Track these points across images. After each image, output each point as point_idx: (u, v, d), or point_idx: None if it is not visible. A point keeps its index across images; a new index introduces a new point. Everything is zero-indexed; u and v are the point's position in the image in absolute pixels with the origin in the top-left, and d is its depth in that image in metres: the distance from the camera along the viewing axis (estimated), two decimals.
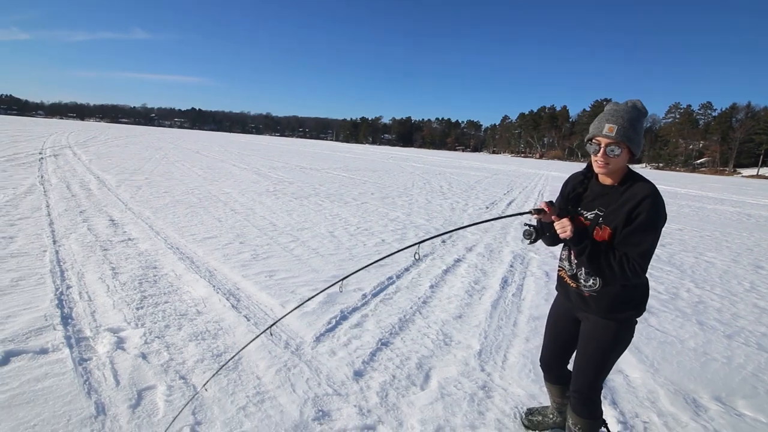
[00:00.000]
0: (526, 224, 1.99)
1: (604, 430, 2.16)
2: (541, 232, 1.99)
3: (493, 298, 4.57)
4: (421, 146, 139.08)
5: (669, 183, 30.18)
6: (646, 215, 1.77)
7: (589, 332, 2.03)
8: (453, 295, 4.60)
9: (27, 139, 25.37)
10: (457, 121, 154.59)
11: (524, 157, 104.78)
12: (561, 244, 2.15)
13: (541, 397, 2.85)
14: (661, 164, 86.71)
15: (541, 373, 2.48)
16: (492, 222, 9.39)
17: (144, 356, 2.92)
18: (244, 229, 6.89)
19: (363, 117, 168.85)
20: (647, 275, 1.91)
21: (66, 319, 3.34)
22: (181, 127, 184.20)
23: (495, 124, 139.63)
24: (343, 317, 3.82)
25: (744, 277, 6.36)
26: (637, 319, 2.01)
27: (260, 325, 3.54)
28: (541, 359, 2.39)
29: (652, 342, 3.81)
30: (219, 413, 2.42)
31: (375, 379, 2.91)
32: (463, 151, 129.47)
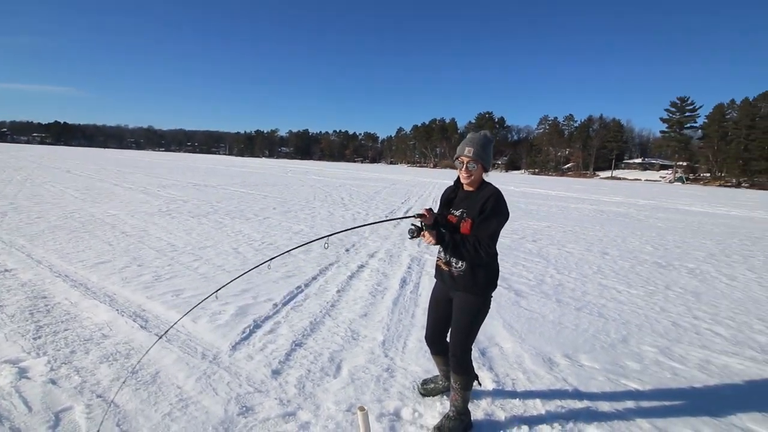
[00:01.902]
0: (412, 225, 2.57)
1: (476, 382, 2.76)
2: (419, 231, 2.54)
3: (394, 296, 5.11)
4: (320, 158, 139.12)
5: (543, 186, 34.20)
6: (491, 207, 2.47)
7: (459, 305, 2.64)
8: (358, 297, 5.04)
9: None
10: (355, 133, 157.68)
11: (420, 166, 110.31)
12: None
13: (435, 370, 3.39)
14: (536, 170, 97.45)
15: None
16: (391, 228, 10.09)
17: (53, 381, 2.90)
18: (140, 251, 6.65)
19: (258, 130, 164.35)
20: (498, 261, 2.58)
21: None
22: (42, 142, 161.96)
23: (391, 136, 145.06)
24: (257, 326, 4.05)
25: (593, 262, 7.74)
26: (493, 294, 2.66)
27: (173, 340, 3.64)
28: (426, 337, 2.94)
29: (521, 319, 4.62)
30: (144, 421, 2.56)
31: (292, 374, 3.22)
32: (362, 162, 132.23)
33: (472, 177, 2.56)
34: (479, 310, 2.61)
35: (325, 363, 3.43)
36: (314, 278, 5.73)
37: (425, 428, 2.65)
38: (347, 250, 7.54)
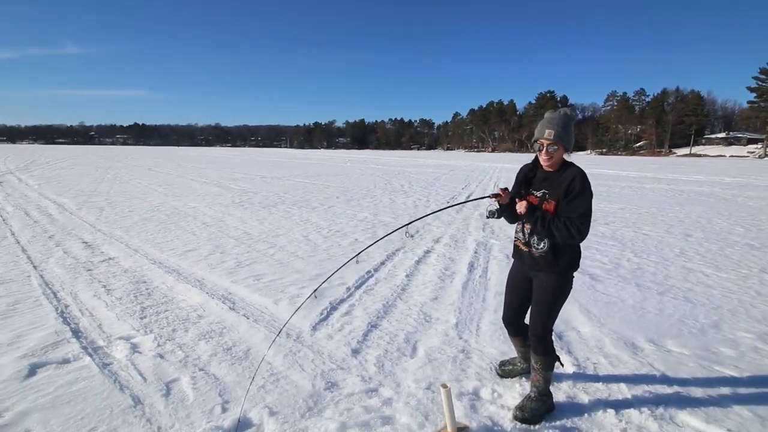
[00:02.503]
0: (487, 210, 2.57)
1: (558, 363, 2.72)
2: (500, 211, 2.53)
3: (463, 281, 5.12)
4: (376, 147, 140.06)
5: (612, 167, 32.27)
6: (579, 187, 2.41)
7: (540, 286, 2.61)
8: (427, 281, 5.11)
9: None
10: (410, 120, 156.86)
11: (477, 151, 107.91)
12: (516, 222, 2.74)
13: (510, 353, 3.39)
14: (604, 150, 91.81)
15: (506, 332, 3.04)
16: (454, 213, 10.03)
17: (161, 356, 3.23)
18: (220, 240, 7.13)
19: (316, 122, 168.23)
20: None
21: (76, 333, 3.58)
22: (124, 143, 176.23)
23: (447, 121, 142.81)
24: (333, 308, 4.24)
25: (675, 244, 7.26)
26: (574, 274, 2.62)
27: (259, 321, 3.90)
28: (504, 318, 2.94)
29: (598, 303, 4.47)
30: (242, 393, 2.79)
31: (370, 354, 3.36)
32: (418, 149, 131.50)
33: (553, 159, 2.50)
34: (561, 290, 2.57)
35: (401, 344, 3.54)
36: (382, 263, 5.86)
37: (506, 408, 2.67)
38: (412, 236, 7.61)
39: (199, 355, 3.27)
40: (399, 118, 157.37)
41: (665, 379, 3.05)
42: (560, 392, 2.87)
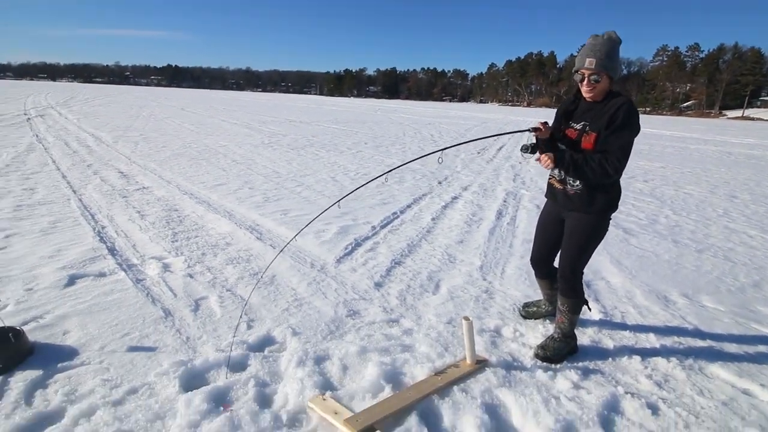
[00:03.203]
0: (523, 145, 2.41)
1: (586, 307, 2.65)
2: (536, 147, 2.37)
3: (490, 227, 5.03)
4: (407, 98, 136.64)
5: (655, 126, 30.60)
6: (623, 117, 2.20)
7: (573, 226, 2.48)
8: (453, 225, 5.04)
9: (5, 100, 24.68)
10: (443, 70, 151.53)
11: (512, 105, 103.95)
12: None
13: (535, 296, 3.34)
14: (648, 108, 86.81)
15: (536, 281, 2.97)
16: (484, 164, 9.79)
17: (191, 276, 3.34)
18: (249, 177, 7.19)
19: (347, 69, 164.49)
20: (620, 179, 2.36)
21: (112, 251, 3.72)
22: (158, 85, 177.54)
23: (482, 73, 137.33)
24: (358, 244, 4.25)
25: (719, 205, 6.90)
26: (612, 215, 2.47)
27: (285, 251, 3.95)
28: (532, 259, 2.85)
29: (631, 256, 4.32)
30: (266, 313, 2.87)
31: (393, 288, 3.37)
32: (450, 101, 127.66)
33: (596, 90, 2.29)
34: (595, 231, 2.43)
35: (423, 281, 3.53)
36: (409, 206, 5.80)
37: (527, 346, 2.66)
38: (440, 183, 7.49)
39: (227, 278, 3.35)
40: (432, 68, 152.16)
41: (697, 333, 2.95)
42: (584, 336, 2.82)
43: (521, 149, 2.42)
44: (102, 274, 3.27)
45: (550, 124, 2.51)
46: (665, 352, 2.69)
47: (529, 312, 3.01)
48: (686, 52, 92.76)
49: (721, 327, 3.06)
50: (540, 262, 2.80)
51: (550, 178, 2.61)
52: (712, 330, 3.01)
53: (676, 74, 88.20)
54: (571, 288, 2.53)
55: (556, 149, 2.41)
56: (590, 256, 2.53)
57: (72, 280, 3.14)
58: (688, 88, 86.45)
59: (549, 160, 2.29)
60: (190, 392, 2.05)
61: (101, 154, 8.62)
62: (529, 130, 2.42)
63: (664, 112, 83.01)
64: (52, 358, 2.26)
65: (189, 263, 3.56)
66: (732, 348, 2.79)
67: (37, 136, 10.74)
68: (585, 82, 2.28)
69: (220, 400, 2.03)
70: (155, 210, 5.01)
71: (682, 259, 4.34)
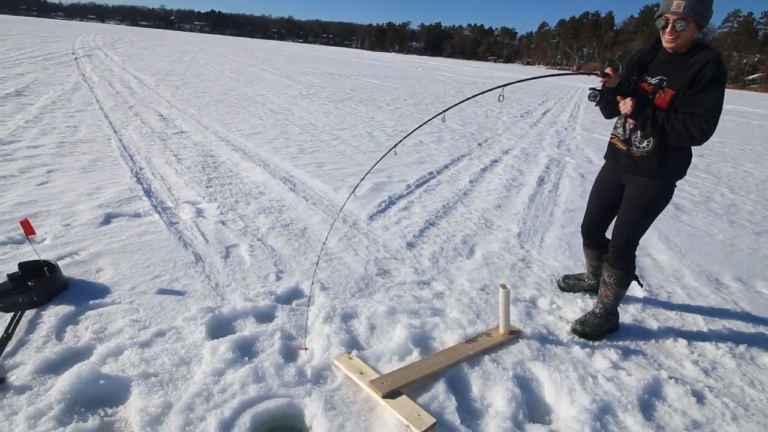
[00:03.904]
0: (591, 88, 2.13)
1: (636, 282, 2.46)
2: (605, 94, 2.11)
3: (530, 193, 4.79)
4: (450, 56, 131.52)
5: None
6: (713, 74, 1.93)
7: (634, 192, 2.26)
8: (492, 189, 4.83)
9: (55, 39, 25.20)
10: (491, 28, 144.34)
11: (560, 69, 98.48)
12: (615, 117, 2.34)
13: (576, 269, 3.16)
14: None
15: (576, 249, 2.77)
16: (528, 128, 9.33)
17: (223, 223, 3.32)
18: (285, 127, 7.09)
19: (390, 22, 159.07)
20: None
21: (148, 192, 3.74)
22: (201, 30, 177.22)
23: (532, 32, 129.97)
24: (392, 202, 4.13)
25: None
26: (677, 182, 2.24)
27: (318, 204, 3.88)
28: (583, 226, 2.65)
29: (681, 234, 4.03)
30: (296, 266, 2.82)
31: (426, 249, 3.26)
32: (495, 61, 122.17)
33: (680, 40, 2.00)
34: (659, 199, 2.22)
35: (458, 244, 3.40)
36: (446, 167, 5.60)
37: (564, 320, 2.52)
38: (479, 145, 7.19)
39: (258, 227, 3.32)
40: (479, 25, 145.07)
41: (750, 320, 2.73)
42: (626, 314, 2.65)
43: (589, 96, 2.16)
44: (137, 215, 3.29)
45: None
46: (714, 338, 2.50)
47: (569, 284, 2.84)
48: (761, 18, 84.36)
49: None
50: (592, 228, 2.60)
51: (612, 138, 2.37)
52: (766, 318, 2.77)
53: (745, 43, 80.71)
54: (623, 259, 2.34)
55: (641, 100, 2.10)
56: (648, 227, 2.32)
57: (108, 219, 3.18)
58: (756, 59, 79.16)
59: (630, 105, 2.02)
60: (216, 340, 2.03)
61: (143, 97, 8.70)
62: (596, 73, 2.15)
63: (727, 85, 76.73)
64: (85, 294, 2.29)
65: (222, 210, 3.55)
66: None
67: (83, 75, 10.93)
68: (668, 29, 2.00)
69: (246, 350, 2.01)
70: (192, 155, 5.01)
71: (737, 241, 4.02)
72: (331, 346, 2.08)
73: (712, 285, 3.14)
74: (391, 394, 1.80)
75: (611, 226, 2.46)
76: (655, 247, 3.68)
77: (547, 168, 5.98)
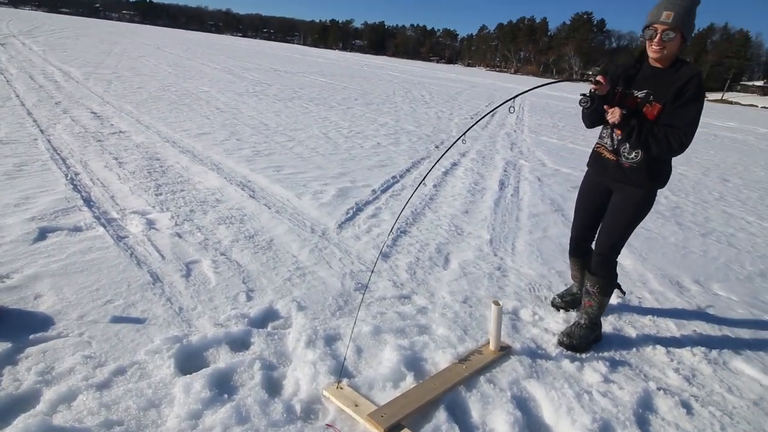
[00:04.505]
0: (582, 94, 2.14)
1: (619, 291, 2.50)
2: (595, 101, 2.12)
3: (494, 198, 4.81)
4: (393, 55, 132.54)
5: None
6: (694, 91, 2.00)
7: (623, 200, 2.28)
8: (456, 194, 4.80)
9: None
10: (433, 29, 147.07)
11: (499, 71, 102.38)
12: (598, 125, 2.36)
13: (550, 276, 3.17)
14: None
15: (547, 256, 2.83)
16: (480, 130, 9.48)
17: (179, 235, 3.00)
18: (235, 127, 6.70)
19: (333, 19, 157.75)
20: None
21: (88, 202, 3.33)
22: (130, 20, 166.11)
23: (472, 35, 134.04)
24: (359, 209, 3.97)
25: (713, 188, 6.86)
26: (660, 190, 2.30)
27: (282, 212, 3.64)
28: (573, 238, 2.62)
29: (639, 237, 4.19)
30: (267, 283, 2.59)
31: (401, 259, 3.14)
32: (437, 62, 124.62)
33: (665, 51, 2.04)
34: (646, 207, 2.27)
35: (432, 253, 3.30)
36: (408, 170, 5.51)
37: (549, 332, 2.49)
38: (437, 147, 7.19)
39: (220, 240, 3.04)
40: (422, 25, 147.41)
41: (715, 323, 2.85)
42: (606, 323, 2.66)
43: (580, 102, 2.15)
44: (77, 229, 2.90)
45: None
46: (688, 343, 2.57)
47: (567, 301, 2.75)
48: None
49: (737, 318, 2.97)
50: (583, 239, 2.59)
51: (597, 147, 2.38)
52: (728, 321, 2.91)
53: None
54: (605, 266, 2.36)
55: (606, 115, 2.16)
56: (630, 235, 2.35)
57: (43, 234, 2.77)
58: (599, 77, 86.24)
59: (618, 114, 2.05)
60: (187, 375, 1.79)
61: (71, 91, 7.90)
62: (590, 80, 2.17)
63: None
64: (23, 327, 1.94)
65: (176, 221, 3.22)
66: (751, 341, 2.70)
67: None
68: (656, 38, 2.02)
69: (224, 386, 1.78)
70: (134, 158, 4.56)
71: (688, 243, 4.25)
72: (318, 375, 1.89)
73: (675, 288, 3.26)
74: (392, 429, 1.65)
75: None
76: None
77: (505, 171, 6.06)
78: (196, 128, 6.26)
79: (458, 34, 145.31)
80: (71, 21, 57.48)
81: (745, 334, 2.77)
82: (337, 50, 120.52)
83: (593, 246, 2.47)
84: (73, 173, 3.88)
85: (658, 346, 2.49)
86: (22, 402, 1.59)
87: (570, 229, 2.66)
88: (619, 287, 2.49)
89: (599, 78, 2.10)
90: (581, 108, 2.20)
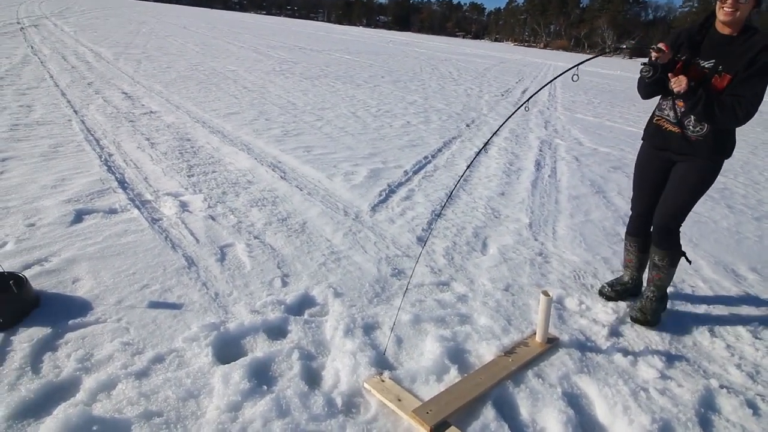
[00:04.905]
0: (643, 63, 2.01)
1: (686, 259, 2.40)
2: (658, 69, 1.98)
3: (531, 179, 4.61)
4: (419, 31, 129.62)
5: None
6: (766, 61, 1.89)
7: (689, 172, 2.19)
8: (491, 175, 4.62)
9: None
10: (459, 3, 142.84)
11: (527, 46, 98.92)
12: (654, 94, 2.24)
13: (595, 263, 3.01)
14: None
15: (591, 241, 3.00)
16: (511, 108, 9.15)
17: (212, 218, 2.97)
18: (263, 106, 6.63)
19: None
20: None
21: (122, 184, 3.32)
22: (156, 0, 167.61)
23: (500, 8, 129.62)
24: (392, 191, 3.85)
25: (764, 167, 6.43)
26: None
27: (314, 195, 3.57)
28: (638, 214, 2.48)
29: (688, 222, 3.90)
30: (302, 268, 2.53)
31: (437, 244, 3.02)
32: (463, 37, 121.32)
33: (738, 14, 1.90)
34: (711, 178, 2.21)
35: (470, 237, 3.18)
36: (440, 150, 5.35)
37: (598, 323, 2.35)
38: (468, 126, 6.96)
39: (253, 223, 2.99)
40: (447, 0, 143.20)
41: None
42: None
43: (642, 71, 2.01)
44: (113, 211, 2.89)
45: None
46: (748, 337, 2.39)
47: (618, 291, 2.57)
48: None
49: None
50: (646, 216, 2.45)
51: (657, 119, 2.26)
52: None
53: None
54: (672, 238, 2.32)
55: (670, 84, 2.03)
56: (694, 205, 2.29)
57: (79, 216, 2.77)
58: (660, 44, 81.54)
59: (685, 83, 1.94)
60: (226, 365, 1.74)
61: (102, 72, 7.96)
62: (651, 47, 2.00)
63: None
64: (62, 312, 1.93)
65: (209, 203, 3.18)
66: None
67: (32, 47, 9.94)
68: (728, 1, 1.89)
69: (263, 376, 1.73)
70: (166, 138, 4.55)
71: (741, 228, 3.98)
72: (358, 367, 1.82)
73: (731, 277, 3.05)
74: (439, 427, 1.57)
75: None
76: None
77: (540, 151, 5.82)
78: (225, 108, 6.21)
79: (485, 8, 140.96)
80: (99, 1, 58.24)
81: None
82: (360, 26, 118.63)
83: (654, 220, 2.38)
84: (107, 154, 3.89)
85: (716, 340, 2.32)
86: (62, 390, 1.57)
87: (630, 206, 2.55)
88: (684, 256, 2.40)
89: (661, 45, 1.96)
90: (642, 76, 2.05)
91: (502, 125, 2.50)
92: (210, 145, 4.50)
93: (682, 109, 2.11)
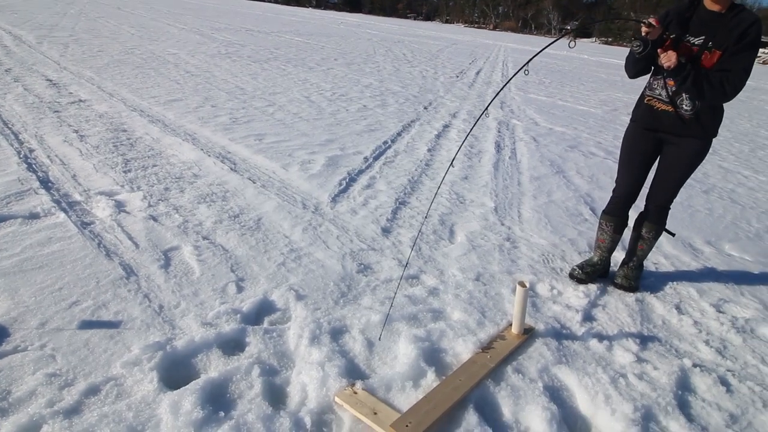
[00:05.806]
0: (634, 38, 1.99)
1: (668, 233, 2.53)
2: (649, 45, 1.94)
3: (492, 161, 4.55)
4: (369, 12, 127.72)
5: (618, 57, 30.26)
6: (755, 37, 1.95)
7: (683, 151, 2.23)
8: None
9: None
10: None
11: (477, 27, 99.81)
12: (643, 72, 2.24)
13: (562, 245, 2.97)
14: (610, 39, 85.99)
15: (555, 222, 3.06)
16: (467, 89, 9.10)
17: (154, 218, 2.67)
18: (209, 92, 6.19)
19: None
20: None
21: (45, 183, 2.94)
22: None
23: None
24: (352, 179, 3.66)
25: None
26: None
27: (268, 187, 3.32)
28: (622, 194, 2.47)
29: (642, 196, 4.01)
30: (258, 270, 2.31)
31: (403, 234, 2.88)
32: (414, 18, 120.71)
33: None
34: (703, 156, 2.25)
35: (436, 225, 3.05)
36: (399, 134, 5.18)
37: (572, 309, 2.29)
38: (425, 108, 6.83)
39: (201, 222, 2.72)
40: None
41: (734, 287, 2.70)
42: (626, 294, 2.49)
43: (634, 46, 1.95)
44: (34, 216, 2.53)
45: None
46: (712, 312, 2.42)
47: (588, 273, 2.53)
48: None
49: (755, 280, 2.83)
50: (630, 197, 2.50)
51: (648, 99, 2.25)
52: (747, 283, 2.77)
53: (642, 4, 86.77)
54: (665, 215, 2.45)
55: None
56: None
57: None
58: (648, 22, 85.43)
59: (675, 58, 1.93)
60: (175, 390, 1.52)
61: (22, 57, 7.18)
62: (642, 21, 1.99)
63: (626, 44, 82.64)
64: None
65: (149, 201, 2.87)
66: None
67: None
68: None
69: (219, 401, 1.53)
70: (98, 130, 4.11)
71: (693, 201, 4.09)
72: (327, 378, 1.65)
73: (689, 251, 3.10)
74: None
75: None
76: None
77: (499, 132, 5.78)
78: (166, 94, 5.74)
79: None
80: None
81: (766, 296, 2.64)
82: (310, 8, 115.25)
83: (647, 200, 2.48)
84: (27, 150, 3.45)
85: (684, 317, 2.33)
86: None
87: (615, 185, 2.54)
88: (667, 231, 2.51)
89: (652, 20, 1.96)
90: (632, 51, 2.00)
91: (504, 85, 2.35)
92: (149, 135, 4.11)
93: (674, 88, 2.11)
